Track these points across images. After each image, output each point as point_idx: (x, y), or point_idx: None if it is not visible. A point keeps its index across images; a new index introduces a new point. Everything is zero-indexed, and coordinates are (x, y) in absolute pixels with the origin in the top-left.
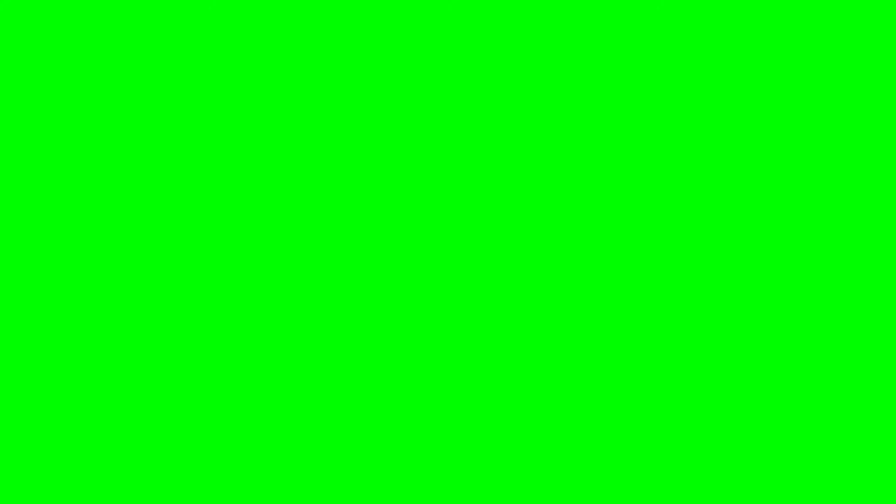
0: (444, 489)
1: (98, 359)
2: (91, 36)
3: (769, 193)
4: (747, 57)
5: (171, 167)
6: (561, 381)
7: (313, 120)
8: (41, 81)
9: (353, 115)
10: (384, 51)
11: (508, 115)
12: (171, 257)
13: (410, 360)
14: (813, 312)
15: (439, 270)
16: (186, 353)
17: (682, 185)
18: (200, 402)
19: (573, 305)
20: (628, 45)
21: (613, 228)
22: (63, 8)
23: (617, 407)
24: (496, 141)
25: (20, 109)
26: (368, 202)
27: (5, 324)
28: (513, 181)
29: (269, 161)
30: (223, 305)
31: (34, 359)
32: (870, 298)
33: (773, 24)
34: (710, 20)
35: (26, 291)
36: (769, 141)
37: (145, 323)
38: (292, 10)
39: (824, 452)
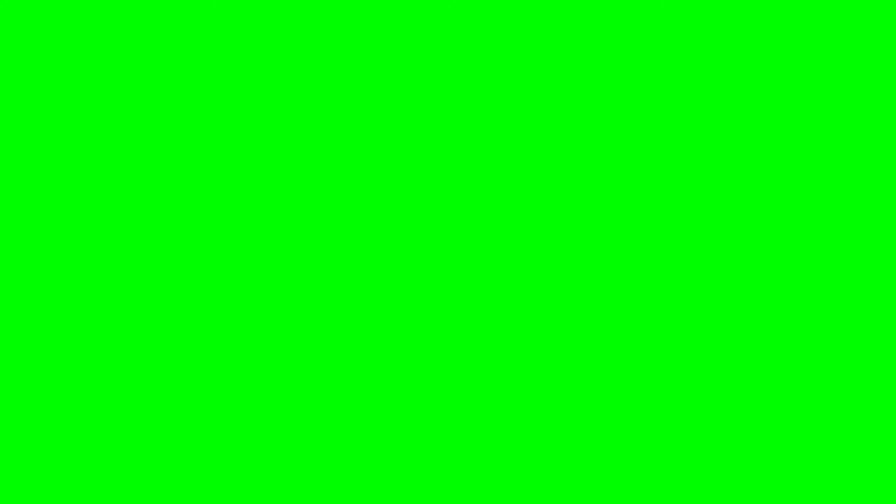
0: (444, 489)
1: (98, 359)
2: (91, 36)
3: (769, 193)
4: (747, 57)
5: (172, 167)
6: (561, 381)
7: (313, 120)
8: (41, 81)
9: (354, 115)
10: (384, 51)
11: (508, 115)
12: (171, 257)
13: (410, 360)
14: (813, 312)
15: (439, 270)
16: (186, 353)
17: (682, 185)
18: (200, 402)
19: (573, 305)
20: (628, 45)
21: (613, 228)
22: (63, 8)
23: (617, 407)
24: (496, 141)
25: (20, 109)
26: (368, 202)
27: (5, 324)
28: (513, 181)
29: (269, 161)
30: (223, 305)
31: (34, 359)
32: (870, 298)
33: (773, 25)
34: (710, 20)
35: (26, 291)
36: (769, 141)
37: (145, 323)
38: (292, 10)
39: (824, 452)
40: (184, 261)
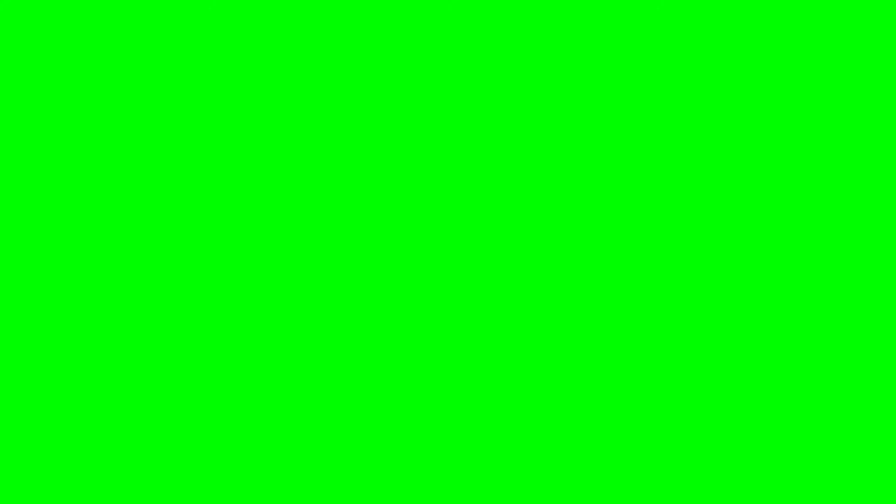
0: (444, 489)
1: (98, 359)
2: (91, 36)
3: (769, 193)
4: (747, 57)
5: (172, 167)
6: (561, 382)
7: (313, 120)
8: (41, 81)
9: (354, 115)
10: (384, 51)
11: (509, 115)
12: (171, 257)
13: (410, 360)
14: (813, 312)
15: (439, 271)
16: (186, 354)
17: (682, 186)
18: (200, 402)
19: (573, 305)
20: (628, 45)
21: (613, 229)
22: (63, 8)
23: (617, 407)
24: (496, 141)
25: (20, 109)
26: (368, 202)
27: (5, 324)
28: (513, 181)
29: (269, 161)
30: (223, 305)
31: (34, 359)
32: (870, 298)
33: (773, 25)
34: (710, 20)
35: (26, 292)
36: (769, 141)
37: (145, 323)
38: (292, 11)
39: (824, 452)
40: (183, 260)
